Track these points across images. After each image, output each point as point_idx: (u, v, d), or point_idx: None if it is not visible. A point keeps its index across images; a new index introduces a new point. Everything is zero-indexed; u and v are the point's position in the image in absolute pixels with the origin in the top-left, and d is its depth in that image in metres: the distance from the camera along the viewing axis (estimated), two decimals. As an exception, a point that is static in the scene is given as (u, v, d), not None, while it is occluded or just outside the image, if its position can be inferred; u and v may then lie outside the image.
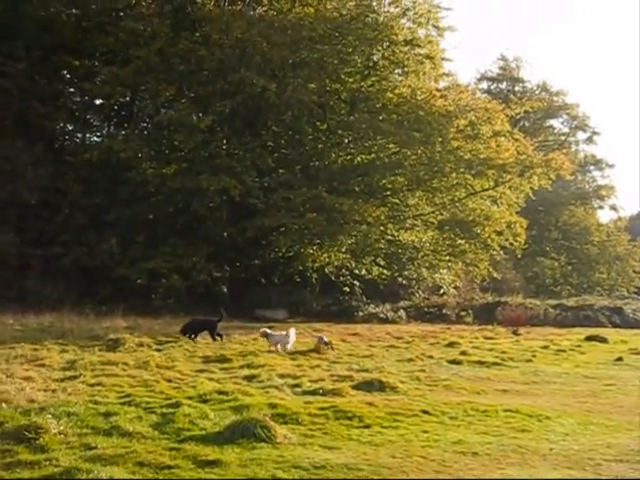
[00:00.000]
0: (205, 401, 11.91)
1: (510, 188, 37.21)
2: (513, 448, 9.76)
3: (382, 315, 35.28)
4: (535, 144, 39.69)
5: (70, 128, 41.37)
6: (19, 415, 10.27)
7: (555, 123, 66.66)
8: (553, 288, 56.87)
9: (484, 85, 65.16)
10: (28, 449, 8.92)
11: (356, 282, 38.12)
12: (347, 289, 37.94)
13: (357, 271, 38.05)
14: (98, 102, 39.32)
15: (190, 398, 12.03)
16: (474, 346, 22.94)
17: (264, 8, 39.47)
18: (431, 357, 19.66)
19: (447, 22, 39.86)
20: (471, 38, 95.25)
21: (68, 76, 40.60)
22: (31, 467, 8.30)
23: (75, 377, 14.17)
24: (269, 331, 21.09)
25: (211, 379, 14.43)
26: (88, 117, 41.27)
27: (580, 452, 9.63)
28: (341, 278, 38.17)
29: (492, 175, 36.03)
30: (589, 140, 65.94)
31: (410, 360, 18.95)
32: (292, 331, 21.21)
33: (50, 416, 10.11)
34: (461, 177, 36.22)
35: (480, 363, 18.70)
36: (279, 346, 20.21)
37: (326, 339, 20.95)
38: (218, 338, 22.32)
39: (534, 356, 20.70)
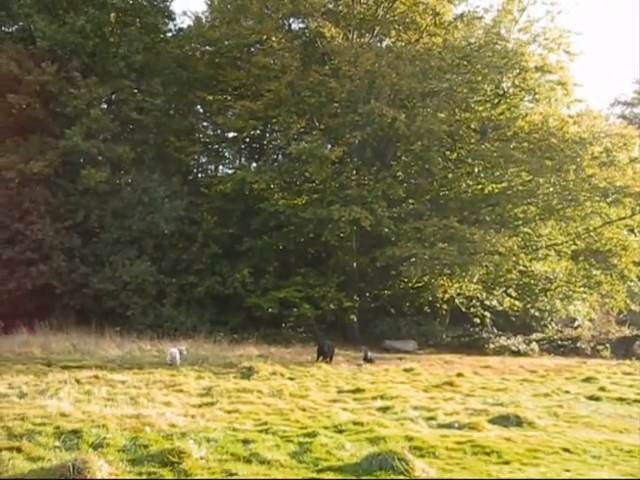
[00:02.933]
0: (341, 431, 11.92)
1: (649, 217, 35.76)
2: (664, 491, 9.31)
3: (514, 347, 34.39)
4: (675, 171, 38.05)
5: (204, 160, 42.79)
6: (162, 439, 10.63)
7: (695, 148, 63.60)
8: (695, 321, 54.04)
9: (618, 110, 63.06)
10: (172, 472, 9.20)
11: (487, 313, 37.46)
12: (478, 320, 37.31)
13: (488, 302, 37.45)
14: (231, 135, 40.60)
15: (326, 428, 12.06)
16: (613, 382, 21.93)
17: (392, 39, 39.78)
18: (567, 392, 18.99)
19: (578, 47, 38.86)
20: (600, 61, 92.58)
21: (202, 111, 42.14)
22: (177, 491, 8.54)
23: (212, 404, 14.48)
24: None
25: (345, 409, 14.43)
26: (221, 150, 42.61)
27: None
28: (472, 309, 37.58)
29: (629, 203, 34.65)
30: None
31: (546, 395, 18.37)
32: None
33: (191, 441, 10.38)
34: (596, 205, 35.01)
35: (620, 400, 17.84)
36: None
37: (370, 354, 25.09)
38: None
39: (678, 393, 19.67)
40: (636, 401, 17.75)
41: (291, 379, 19.67)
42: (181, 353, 23.31)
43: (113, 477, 8.90)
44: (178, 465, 9.37)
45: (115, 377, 17.76)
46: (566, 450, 11.34)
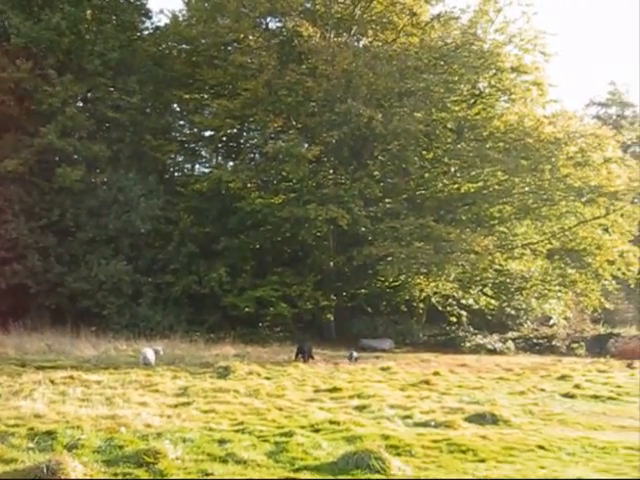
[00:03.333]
0: (317, 430, 11.87)
1: (622, 216, 35.96)
2: (636, 488, 9.36)
3: (490, 346, 34.58)
4: (647, 170, 38.39)
5: (180, 159, 42.57)
6: (138, 439, 10.54)
7: (668, 148, 64.21)
8: (669, 319, 54.49)
9: (592, 111, 63.61)
10: (148, 473, 9.11)
11: (463, 312, 37.59)
12: (454, 319, 37.47)
13: (464, 301, 37.62)
14: (207, 134, 40.46)
15: (302, 427, 12.02)
16: (587, 379, 22.12)
17: (369, 39, 39.83)
18: (543, 390, 19.09)
19: (553, 48, 39.10)
20: (575, 62, 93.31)
21: (178, 109, 41.96)
22: (153, 492, 8.48)
23: (188, 403, 14.39)
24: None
25: (322, 408, 14.39)
26: (197, 149, 42.41)
27: None
28: (448, 308, 37.74)
29: (603, 203, 34.96)
30: None
31: (522, 393, 18.45)
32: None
33: (167, 441, 10.31)
34: (571, 205, 35.31)
35: (595, 397, 17.97)
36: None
37: (355, 355, 25.74)
38: None
39: (652, 391, 19.84)
40: (610, 398, 17.87)
41: (268, 378, 19.61)
42: (157, 353, 23.20)
43: (87, 478, 8.82)
44: (154, 465, 9.28)
45: (90, 377, 17.60)
46: (541, 447, 11.36)
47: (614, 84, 64.04)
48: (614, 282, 37.08)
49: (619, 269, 35.82)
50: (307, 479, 9.22)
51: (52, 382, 16.60)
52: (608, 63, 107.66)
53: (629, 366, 27.56)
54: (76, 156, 35.01)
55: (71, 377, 17.38)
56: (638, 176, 35.41)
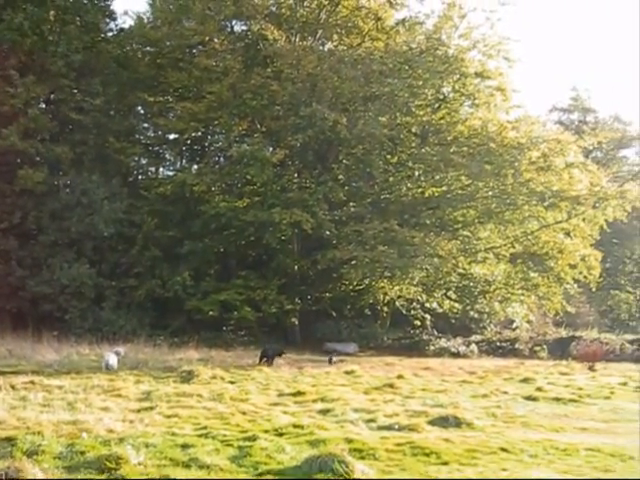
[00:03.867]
0: (281, 434, 11.86)
1: (584, 220, 36.42)
2: (597, 489, 9.46)
3: (453, 349, 34.81)
4: (609, 175, 38.89)
5: (144, 162, 42.27)
6: (99, 445, 10.42)
7: (628, 153, 65.23)
8: (629, 322, 55.23)
9: (555, 116, 64.31)
10: (109, 478, 9.01)
11: (427, 316, 37.82)
12: (418, 323, 37.67)
13: (428, 304, 37.80)
14: (172, 137, 40.31)
15: (266, 431, 12.00)
16: (549, 382, 22.39)
17: (334, 43, 39.94)
18: (506, 393, 19.27)
19: (516, 53, 39.42)
20: (538, 68, 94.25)
21: (142, 112, 41.65)
22: (114, 497, 8.39)
23: (151, 408, 14.29)
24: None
25: (286, 412, 14.41)
26: (162, 152, 42.19)
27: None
28: (412, 311, 37.93)
29: (565, 207, 35.40)
30: (664, 171, 64.10)
31: (485, 396, 18.59)
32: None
33: (129, 447, 10.20)
34: (533, 209, 35.64)
35: (557, 400, 18.17)
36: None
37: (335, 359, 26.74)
38: None
39: (612, 393, 20.04)
40: (572, 400, 18.08)
41: (232, 383, 19.58)
42: (118, 354, 23.01)
43: (48, 484, 8.72)
44: (115, 471, 9.19)
45: (52, 382, 17.44)
46: (504, 450, 11.42)
47: (576, 90, 64.83)
48: (576, 286, 37.55)
49: (581, 273, 36.27)
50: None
51: (13, 387, 16.41)
52: (571, 69, 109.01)
53: (590, 369, 27.94)
54: (38, 158, 34.59)
55: (32, 382, 17.21)
56: (599, 181, 35.82)
